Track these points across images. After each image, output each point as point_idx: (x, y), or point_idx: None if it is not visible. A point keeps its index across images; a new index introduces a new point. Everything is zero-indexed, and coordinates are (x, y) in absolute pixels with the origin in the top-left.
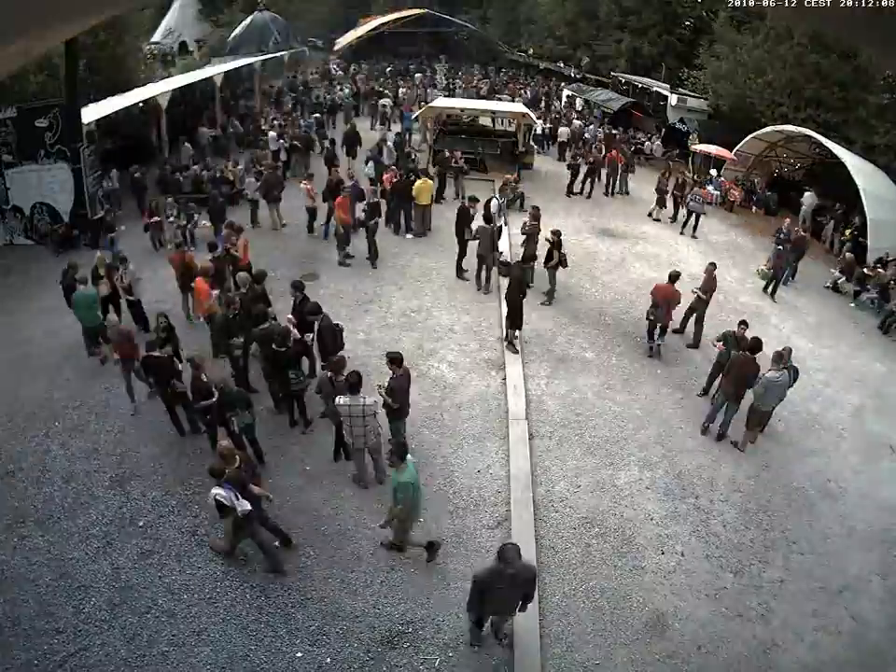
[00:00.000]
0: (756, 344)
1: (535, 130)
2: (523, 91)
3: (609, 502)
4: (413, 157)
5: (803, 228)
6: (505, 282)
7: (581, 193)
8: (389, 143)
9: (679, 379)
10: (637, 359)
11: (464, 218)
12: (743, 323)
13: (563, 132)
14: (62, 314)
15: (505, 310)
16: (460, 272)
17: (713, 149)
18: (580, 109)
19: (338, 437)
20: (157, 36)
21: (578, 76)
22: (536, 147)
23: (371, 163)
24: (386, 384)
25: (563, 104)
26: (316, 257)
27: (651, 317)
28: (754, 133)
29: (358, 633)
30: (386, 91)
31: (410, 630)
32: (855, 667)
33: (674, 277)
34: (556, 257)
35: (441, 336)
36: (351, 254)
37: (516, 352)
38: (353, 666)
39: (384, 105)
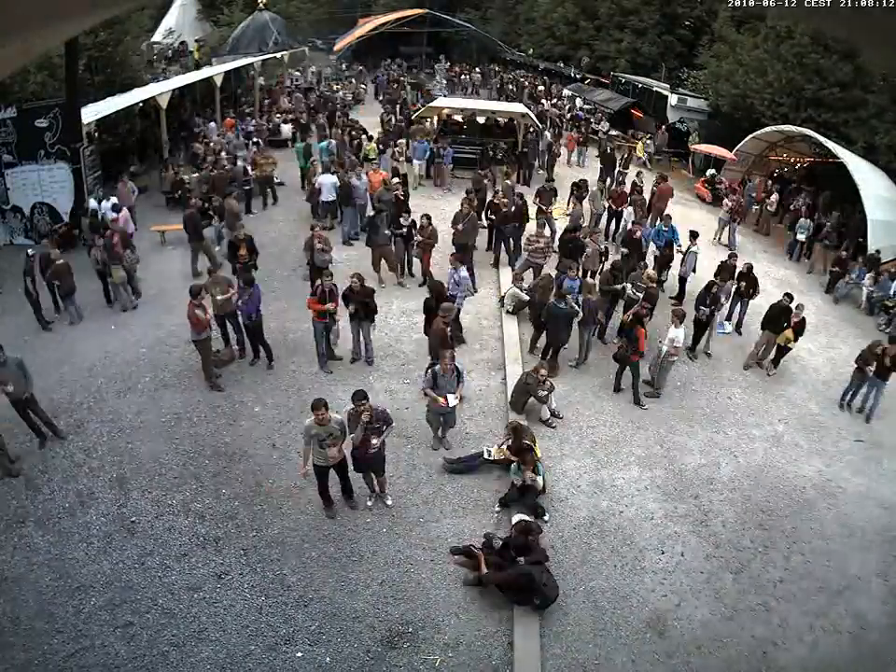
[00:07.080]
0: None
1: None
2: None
3: (608, 502)
4: None
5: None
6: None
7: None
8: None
9: (680, 379)
10: None
11: None
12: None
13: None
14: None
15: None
16: None
17: (713, 149)
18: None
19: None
20: (157, 36)
21: (578, 76)
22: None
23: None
24: None
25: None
26: None
27: None
28: (754, 133)
29: (358, 633)
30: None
31: (410, 630)
32: (855, 667)
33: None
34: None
35: None
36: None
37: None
38: (353, 666)
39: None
